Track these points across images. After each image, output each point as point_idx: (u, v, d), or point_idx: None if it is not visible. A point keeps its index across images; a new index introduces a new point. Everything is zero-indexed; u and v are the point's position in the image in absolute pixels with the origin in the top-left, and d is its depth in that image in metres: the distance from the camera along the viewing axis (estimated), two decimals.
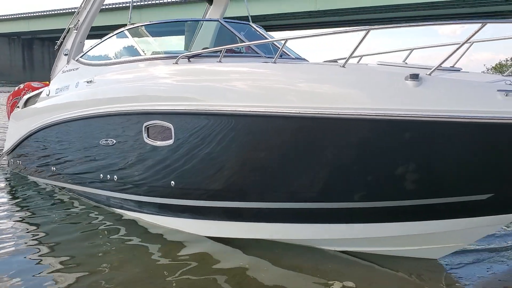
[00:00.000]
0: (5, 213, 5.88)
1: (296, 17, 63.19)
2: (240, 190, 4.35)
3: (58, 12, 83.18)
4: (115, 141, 5.21)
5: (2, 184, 7.41)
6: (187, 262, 4.26)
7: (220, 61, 4.54)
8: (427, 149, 3.43)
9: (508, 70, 3.72)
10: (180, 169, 4.61)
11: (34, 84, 8.05)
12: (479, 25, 3.25)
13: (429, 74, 3.39)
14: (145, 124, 4.72)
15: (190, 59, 4.93)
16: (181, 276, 3.99)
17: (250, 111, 3.92)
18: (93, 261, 4.31)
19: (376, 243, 4.18)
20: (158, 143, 4.63)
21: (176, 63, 4.89)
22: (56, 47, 6.89)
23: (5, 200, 6.62)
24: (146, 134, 4.74)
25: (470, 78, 3.52)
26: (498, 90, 3.14)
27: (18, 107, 7.60)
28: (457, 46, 3.51)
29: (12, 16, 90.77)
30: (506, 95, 3.11)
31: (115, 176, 5.32)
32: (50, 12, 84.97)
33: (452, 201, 3.62)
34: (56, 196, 6.47)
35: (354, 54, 4.01)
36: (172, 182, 4.65)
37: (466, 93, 3.26)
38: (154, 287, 3.81)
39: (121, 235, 4.98)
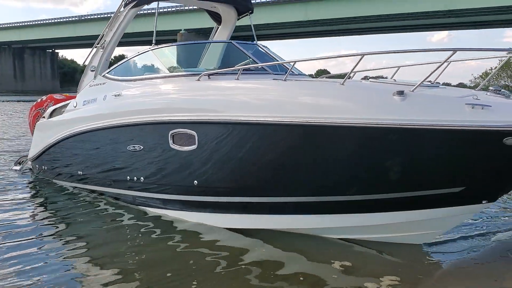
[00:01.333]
0: (37, 210, 6.54)
1: (286, 27, 63.51)
2: (254, 187, 5.02)
3: (49, 22, 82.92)
4: (142, 147, 5.79)
5: (29, 187, 7.94)
6: (207, 247, 4.93)
7: (237, 79, 5.17)
8: (410, 151, 4.16)
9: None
10: (202, 170, 5.25)
11: (56, 96, 8.63)
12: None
13: (412, 91, 4.11)
14: (170, 132, 5.35)
15: (210, 77, 5.57)
16: (203, 258, 4.70)
17: (264, 120, 4.60)
18: (126, 254, 4.83)
19: (369, 231, 4.87)
20: (185, 148, 5.28)
21: (199, 79, 5.54)
22: (83, 63, 7.59)
23: (32, 198, 7.17)
24: (171, 141, 5.37)
25: (445, 94, 4.28)
26: (466, 104, 3.88)
27: (44, 117, 8.08)
28: (437, 64, 4.25)
29: (2, 26, 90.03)
30: (472, 108, 3.84)
31: (142, 178, 5.92)
32: (41, 22, 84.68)
33: (431, 193, 4.35)
34: (81, 196, 6.99)
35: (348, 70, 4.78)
36: (195, 181, 5.30)
37: (441, 106, 4.00)
38: (182, 269, 4.45)
39: (147, 229, 5.52)
